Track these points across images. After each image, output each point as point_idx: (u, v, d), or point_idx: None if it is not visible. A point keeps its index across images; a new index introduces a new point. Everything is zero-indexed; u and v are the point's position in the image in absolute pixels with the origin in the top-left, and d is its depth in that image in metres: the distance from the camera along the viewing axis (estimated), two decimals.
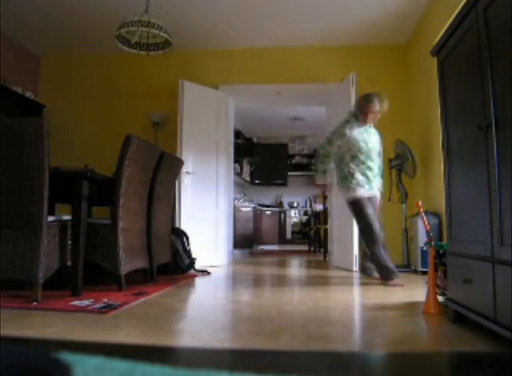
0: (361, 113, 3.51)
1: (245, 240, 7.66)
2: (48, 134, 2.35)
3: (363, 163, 3.49)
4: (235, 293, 3.05)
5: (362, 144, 3.48)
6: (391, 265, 3.37)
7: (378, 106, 3.45)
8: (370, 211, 3.44)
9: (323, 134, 6.09)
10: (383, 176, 3.73)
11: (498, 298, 1.52)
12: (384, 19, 4.68)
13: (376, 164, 3.56)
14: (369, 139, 3.53)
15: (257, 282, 3.79)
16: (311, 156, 10.62)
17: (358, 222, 3.54)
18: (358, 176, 3.48)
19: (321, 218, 6.83)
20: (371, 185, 3.51)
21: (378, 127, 3.74)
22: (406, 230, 4.59)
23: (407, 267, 4.43)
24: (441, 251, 2.33)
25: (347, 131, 3.49)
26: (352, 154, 3.49)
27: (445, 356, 1.55)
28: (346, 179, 3.52)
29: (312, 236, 7.97)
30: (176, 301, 2.61)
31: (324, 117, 5.91)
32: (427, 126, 4.47)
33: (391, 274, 3.33)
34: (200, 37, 5.18)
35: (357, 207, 3.47)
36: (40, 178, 2.34)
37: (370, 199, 3.51)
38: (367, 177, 3.49)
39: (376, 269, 3.48)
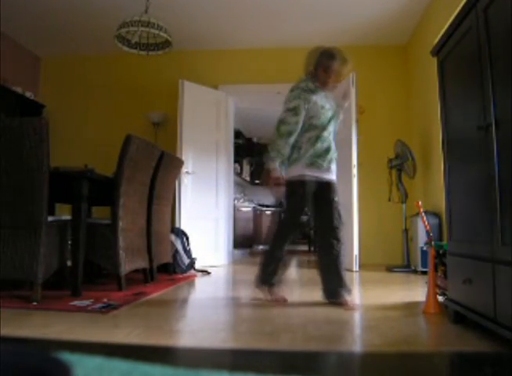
0: (321, 72, 2.63)
1: (245, 240, 7.66)
2: (48, 134, 2.35)
3: (319, 136, 2.59)
4: (235, 293, 3.05)
5: (324, 112, 2.62)
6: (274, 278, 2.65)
7: (342, 66, 2.62)
8: (307, 202, 2.61)
9: None
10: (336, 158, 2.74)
11: (498, 298, 1.52)
12: (384, 19, 4.68)
13: (333, 138, 2.71)
14: (330, 106, 2.68)
15: None
16: None
17: (285, 212, 2.74)
18: (311, 152, 2.58)
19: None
20: (326, 164, 2.60)
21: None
22: (406, 230, 4.59)
23: (407, 267, 4.43)
24: (441, 251, 2.33)
25: (311, 96, 2.60)
26: (311, 123, 2.59)
27: (446, 356, 1.55)
28: (292, 153, 2.61)
29: (312, 236, 7.97)
30: (176, 301, 2.61)
31: None
32: (427, 126, 4.47)
33: (263, 285, 2.64)
34: (200, 37, 5.18)
35: (293, 190, 2.59)
36: (40, 178, 2.34)
37: (323, 184, 2.61)
38: (322, 154, 2.59)
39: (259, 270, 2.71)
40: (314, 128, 2.60)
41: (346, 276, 2.62)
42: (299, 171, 2.57)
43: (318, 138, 2.59)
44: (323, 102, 2.65)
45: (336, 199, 2.66)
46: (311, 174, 2.57)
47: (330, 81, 2.65)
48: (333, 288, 2.54)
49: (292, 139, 2.56)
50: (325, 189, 2.63)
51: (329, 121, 2.66)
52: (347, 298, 2.50)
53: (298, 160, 2.58)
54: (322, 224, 2.67)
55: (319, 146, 2.59)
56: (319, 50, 2.72)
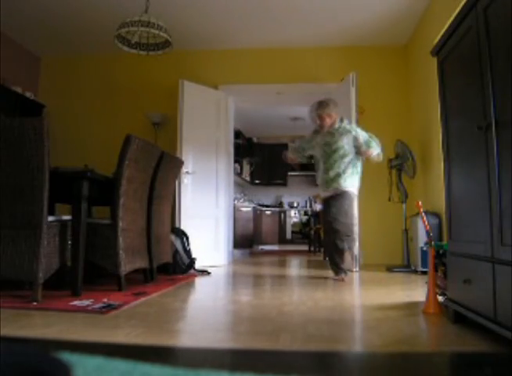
0: (315, 122, 3.83)
1: (245, 240, 7.66)
2: (48, 134, 2.35)
3: (320, 167, 3.82)
4: (235, 293, 3.05)
5: (318, 150, 3.81)
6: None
7: (314, 114, 3.75)
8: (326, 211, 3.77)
9: None
10: (354, 172, 3.75)
11: (498, 298, 1.52)
12: (384, 19, 4.68)
13: (335, 166, 3.69)
14: (327, 143, 3.73)
15: (257, 282, 3.79)
16: (311, 156, 10.61)
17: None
18: (319, 179, 3.86)
19: (321, 218, 6.83)
20: (325, 187, 3.76)
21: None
22: (406, 230, 4.59)
23: (407, 267, 4.43)
24: (441, 251, 2.33)
25: (311, 140, 3.93)
26: (316, 160, 3.93)
27: (446, 356, 1.55)
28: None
29: (312, 236, 7.97)
30: (176, 301, 2.61)
31: None
32: (427, 126, 4.47)
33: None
34: (200, 37, 5.18)
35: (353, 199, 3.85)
36: (40, 178, 2.34)
37: (328, 200, 3.75)
38: (323, 180, 3.77)
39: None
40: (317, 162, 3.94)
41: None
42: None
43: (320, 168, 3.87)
44: (319, 140, 3.81)
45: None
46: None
47: (319, 124, 3.80)
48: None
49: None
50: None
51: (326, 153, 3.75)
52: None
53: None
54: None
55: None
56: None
